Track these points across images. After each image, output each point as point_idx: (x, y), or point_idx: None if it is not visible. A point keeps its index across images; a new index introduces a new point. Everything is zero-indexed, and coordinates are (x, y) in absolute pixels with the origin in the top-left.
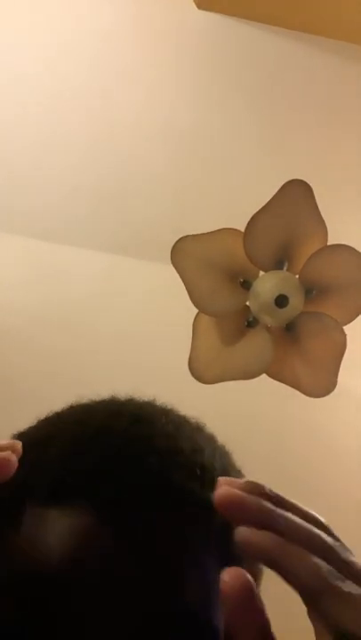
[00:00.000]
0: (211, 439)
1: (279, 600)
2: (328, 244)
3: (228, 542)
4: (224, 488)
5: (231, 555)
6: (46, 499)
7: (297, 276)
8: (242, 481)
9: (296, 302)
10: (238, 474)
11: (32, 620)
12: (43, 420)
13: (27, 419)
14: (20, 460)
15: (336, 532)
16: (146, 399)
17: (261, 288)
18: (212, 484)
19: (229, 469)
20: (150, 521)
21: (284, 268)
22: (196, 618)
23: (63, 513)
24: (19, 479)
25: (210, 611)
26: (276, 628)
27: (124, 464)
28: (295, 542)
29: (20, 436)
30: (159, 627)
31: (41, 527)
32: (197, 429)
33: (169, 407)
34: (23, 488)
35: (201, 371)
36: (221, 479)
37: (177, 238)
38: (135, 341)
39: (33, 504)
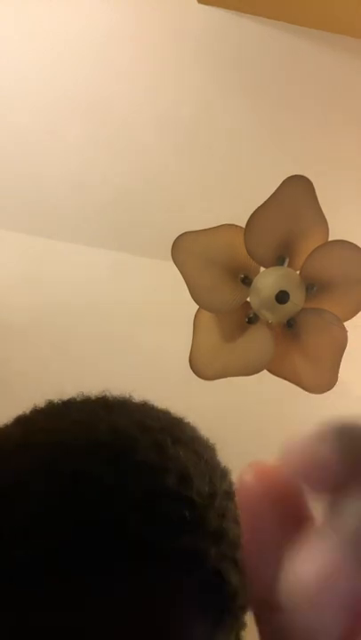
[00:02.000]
0: (193, 448)
1: None
2: (329, 239)
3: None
4: None
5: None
6: (15, 581)
7: (298, 272)
8: None
9: (297, 298)
10: (225, 477)
11: None
12: (10, 439)
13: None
14: None
15: None
16: (124, 400)
17: (262, 284)
18: (200, 522)
19: (216, 484)
20: (137, 593)
21: (285, 264)
22: None
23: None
24: None
25: None
26: None
27: (101, 531)
28: None
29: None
30: None
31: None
32: (179, 441)
33: (149, 410)
34: None
35: (202, 367)
36: None
37: (178, 235)
38: (136, 338)
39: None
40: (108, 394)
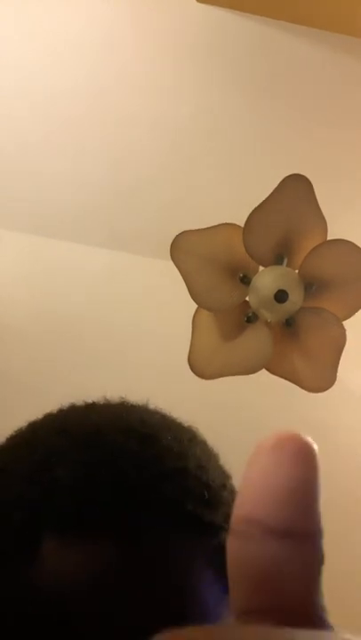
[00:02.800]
0: (204, 448)
1: None
2: (328, 238)
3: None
4: None
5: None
6: (63, 530)
7: (297, 271)
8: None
9: (296, 297)
10: (229, 478)
11: None
12: (44, 427)
13: (25, 415)
14: (25, 475)
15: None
16: (142, 405)
17: (261, 283)
18: (215, 504)
19: (225, 480)
20: (166, 549)
21: (284, 264)
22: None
23: (84, 546)
24: (32, 503)
25: None
26: None
27: (139, 492)
28: None
29: (19, 443)
30: None
31: (62, 561)
32: (193, 440)
33: (164, 414)
34: (38, 516)
35: (201, 366)
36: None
37: (176, 234)
38: (135, 337)
39: (50, 536)
40: (126, 399)
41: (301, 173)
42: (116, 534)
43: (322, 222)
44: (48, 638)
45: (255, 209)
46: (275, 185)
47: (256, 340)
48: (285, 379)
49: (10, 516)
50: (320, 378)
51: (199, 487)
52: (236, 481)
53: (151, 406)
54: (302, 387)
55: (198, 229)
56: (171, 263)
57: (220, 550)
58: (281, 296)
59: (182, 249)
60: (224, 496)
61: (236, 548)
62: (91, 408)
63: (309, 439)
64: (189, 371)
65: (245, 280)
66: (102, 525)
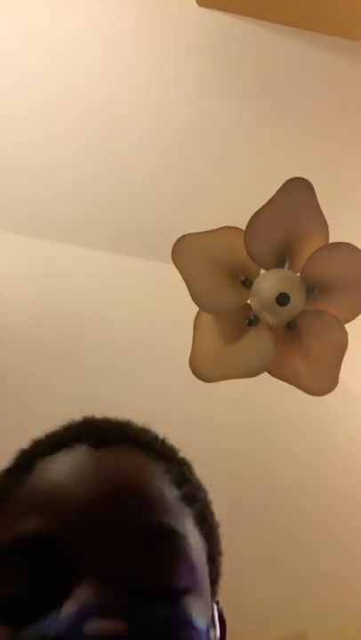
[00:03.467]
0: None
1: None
2: (329, 242)
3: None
4: None
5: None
6: (49, 451)
7: (298, 274)
8: None
9: (297, 300)
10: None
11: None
12: None
13: (25, 415)
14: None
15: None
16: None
17: (263, 286)
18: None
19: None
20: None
21: (286, 266)
22: (164, 526)
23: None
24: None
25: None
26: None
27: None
28: None
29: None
30: (142, 539)
31: (49, 465)
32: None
33: None
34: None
35: (202, 369)
36: None
37: (178, 237)
38: (136, 339)
39: (40, 457)
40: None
41: (303, 176)
42: (86, 443)
43: (323, 225)
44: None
45: (257, 212)
46: (277, 187)
47: (257, 342)
48: (287, 382)
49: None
50: (322, 381)
51: (189, 467)
52: (237, 481)
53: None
54: (304, 390)
55: (200, 232)
56: (172, 266)
57: (191, 492)
58: (283, 299)
59: (184, 252)
60: (201, 489)
61: None
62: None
63: None
64: (191, 373)
65: (247, 283)
66: (75, 441)
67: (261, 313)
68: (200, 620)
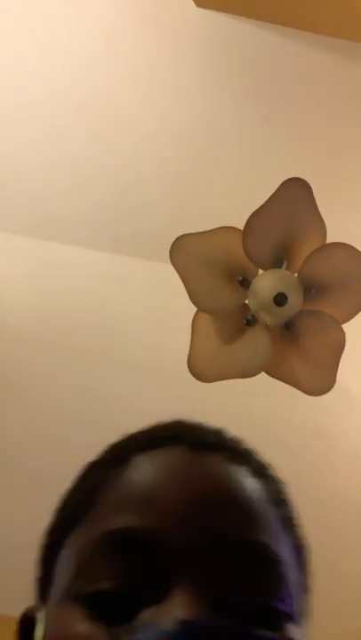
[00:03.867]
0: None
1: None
2: (327, 242)
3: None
4: None
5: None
6: (145, 448)
7: (296, 275)
8: None
9: (295, 300)
10: None
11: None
12: None
13: (25, 416)
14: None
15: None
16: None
17: (260, 286)
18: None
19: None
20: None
21: (283, 267)
22: (266, 545)
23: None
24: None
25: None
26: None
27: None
28: None
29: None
30: (241, 554)
31: (145, 463)
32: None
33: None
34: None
35: (200, 369)
36: None
37: (176, 237)
38: (135, 339)
39: (136, 453)
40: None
41: (300, 176)
42: (186, 445)
43: (321, 225)
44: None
45: (254, 212)
46: (274, 188)
47: (255, 343)
48: (285, 382)
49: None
50: (319, 381)
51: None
52: None
53: None
54: (302, 389)
55: (198, 232)
56: (170, 266)
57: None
58: (280, 299)
59: (182, 252)
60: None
61: None
62: None
63: None
64: (189, 373)
65: (245, 283)
66: (174, 441)
67: (259, 313)
68: None
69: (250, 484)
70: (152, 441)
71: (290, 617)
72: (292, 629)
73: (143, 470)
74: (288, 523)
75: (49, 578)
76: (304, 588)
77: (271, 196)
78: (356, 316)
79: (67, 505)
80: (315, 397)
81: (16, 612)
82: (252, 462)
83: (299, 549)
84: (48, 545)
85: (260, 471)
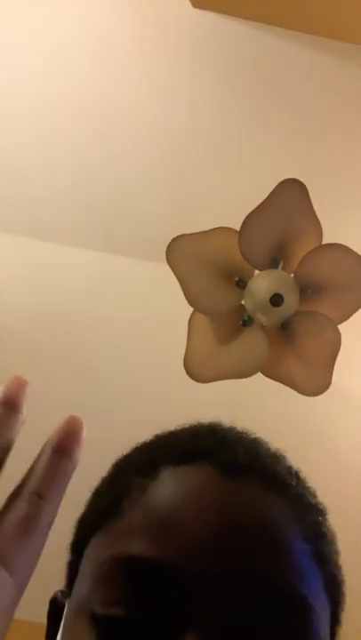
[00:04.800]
0: None
1: None
2: (323, 242)
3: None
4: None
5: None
6: (176, 460)
7: (292, 275)
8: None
9: (291, 301)
10: None
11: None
12: None
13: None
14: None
15: (337, 533)
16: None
17: (256, 287)
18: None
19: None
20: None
21: (280, 267)
22: (295, 590)
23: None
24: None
25: (305, 588)
26: None
27: (236, 440)
28: None
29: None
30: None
31: (174, 480)
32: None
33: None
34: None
35: (196, 370)
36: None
37: (172, 237)
38: (131, 340)
39: (165, 465)
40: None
41: (297, 176)
42: (212, 463)
43: (317, 226)
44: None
45: (250, 213)
46: (271, 188)
47: (251, 343)
48: (281, 382)
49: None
50: (315, 381)
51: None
52: None
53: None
54: (298, 390)
55: (194, 233)
56: (166, 266)
57: (303, 510)
58: (276, 300)
59: (178, 252)
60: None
61: None
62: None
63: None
64: (185, 374)
65: (241, 284)
66: (206, 457)
67: (255, 314)
68: None
69: (284, 516)
70: (183, 454)
71: None
72: None
73: (170, 489)
74: (322, 557)
75: (76, 568)
76: (333, 622)
77: (267, 197)
78: (352, 317)
79: (93, 503)
80: (311, 397)
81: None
82: (289, 490)
83: (331, 582)
84: (77, 535)
85: (298, 500)
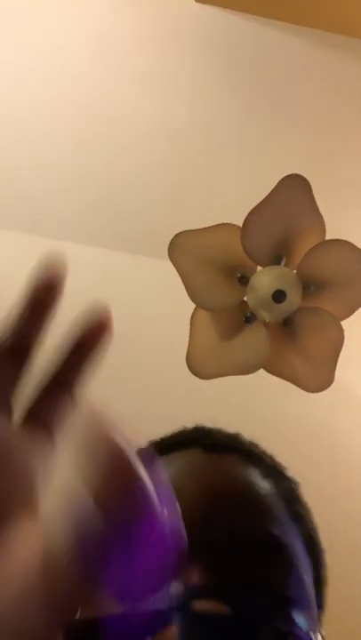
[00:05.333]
0: None
1: None
2: (326, 238)
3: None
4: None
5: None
6: (166, 451)
7: (295, 271)
8: None
9: (294, 297)
10: None
11: None
12: None
13: None
14: None
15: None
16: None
17: (259, 283)
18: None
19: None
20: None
21: (282, 264)
22: (276, 537)
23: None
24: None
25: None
26: None
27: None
28: None
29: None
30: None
31: (166, 463)
32: None
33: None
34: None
35: (199, 366)
36: None
37: (174, 234)
38: (134, 336)
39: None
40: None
41: (299, 173)
42: (201, 446)
43: (320, 222)
44: None
45: (253, 209)
46: (273, 185)
47: (254, 339)
48: (283, 378)
49: None
50: (318, 378)
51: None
52: None
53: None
54: (300, 386)
55: (196, 229)
56: (169, 263)
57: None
58: (279, 296)
59: (180, 249)
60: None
61: None
62: None
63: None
64: (187, 370)
65: (243, 280)
66: (191, 443)
67: (258, 310)
68: (305, 633)
69: (262, 482)
70: (170, 445)
71: (296, 602)
72: (296, 613)
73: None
74: (298, 517)
75: None
76: (317, 580)
77: (270, 193)
78: (355, 313)
79: None
80: (313, 394)
81: None
82: (264, 463)
83: (310, 541)
84: None
85: (273, 471)
